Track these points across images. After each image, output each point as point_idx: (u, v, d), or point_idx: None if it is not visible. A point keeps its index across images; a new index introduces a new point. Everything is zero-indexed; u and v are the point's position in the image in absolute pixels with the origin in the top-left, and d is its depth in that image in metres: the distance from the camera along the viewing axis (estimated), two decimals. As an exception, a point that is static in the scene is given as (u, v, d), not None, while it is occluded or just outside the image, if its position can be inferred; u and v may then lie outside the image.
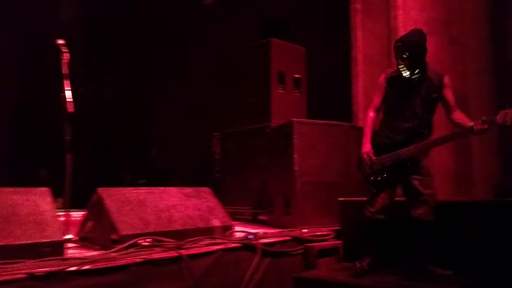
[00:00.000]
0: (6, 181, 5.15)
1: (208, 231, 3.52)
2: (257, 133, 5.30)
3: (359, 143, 3.49)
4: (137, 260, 2.70)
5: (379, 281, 3.09)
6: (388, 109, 3.37)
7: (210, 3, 8.12)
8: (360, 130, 3.88)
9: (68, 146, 3.40)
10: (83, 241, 3.41)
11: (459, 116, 3.12)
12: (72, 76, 3.49)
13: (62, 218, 3.26)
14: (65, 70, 3.54)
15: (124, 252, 2.83)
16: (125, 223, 3.13)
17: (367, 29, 5.34)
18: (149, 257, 2.77)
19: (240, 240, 3.46)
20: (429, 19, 4.70)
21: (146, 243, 3.02)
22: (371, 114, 3.44)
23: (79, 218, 3.56)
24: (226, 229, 3.73)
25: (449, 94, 3.18)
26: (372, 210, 3.27)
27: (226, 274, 3.12)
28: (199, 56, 7.79)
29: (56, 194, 3.06)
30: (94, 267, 2.50)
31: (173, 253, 2.89)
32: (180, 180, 6.95)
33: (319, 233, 3.96)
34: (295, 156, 4.36)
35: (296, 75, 5.55)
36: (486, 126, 2.90)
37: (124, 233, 3.04)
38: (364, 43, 5.34)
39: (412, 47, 3.14)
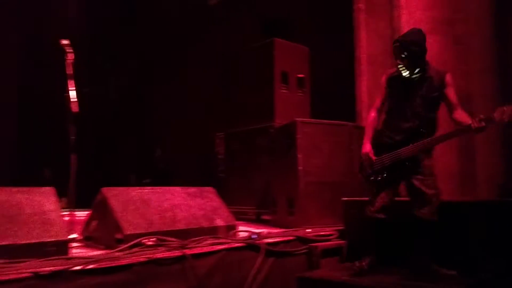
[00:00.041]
0: (10, 180, 5.17)
1: (212, 231, 3.52)
2: (260, 133, 5.30)
3: (362, 143, 3.49)
4: (141, 259, 2.71)
5: (383, 281, 3.09)
6: (389, 109, 3.37)
7: (214, 3, 8.13)
8: (364, 130, 3.89)
9: (73, 146, 3.42)
10: (88, 240, 3.42)
11: (460, 114, 3.11)
12: (77, 76, 3.51)
13: (67, 218, 3.28)
14: (69, 70, 3.55)
15: (128, 251, 2.84)
16: (129, 223, 3.14)
17: (371, 28, 5.34)
18: (153, 256, 2.78)
19: (243, 239, 3.46)
20: (433, 19, 4.69)
21: (150, 243, 3.03)
22: (372, 114, 3.46)
23: (83, 218, 3.57)
24: (230, 229, 3.74)
25: (451, 93, 3.17)
26: (372, 209, 3.29)
27: (229, 274, 3.12)
28: (203, 56, 7.80)
29: (60, 193, 3.08)
30: (99, 267, 2.51)
31: (177, 253, 2.90)
32: (184, 180, 6.96)
33: (323, 233, 3.96)
34: (299, 156, 4.36)
35: (300, 75, 5.55)
36: (483, 124, 2.89)
37: (128, 232, 3.05)
38: (367, 42, 5.34)
39: (410, 47, 3.14)
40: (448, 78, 3.18)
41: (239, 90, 5.89)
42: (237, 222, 3.94)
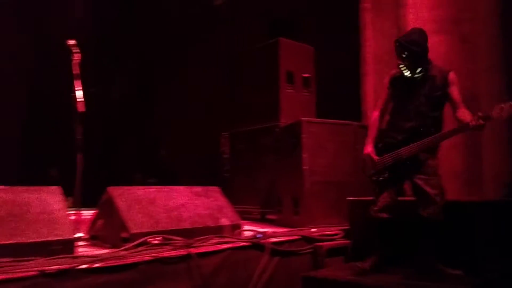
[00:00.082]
0: (17, 180, 5.21)
1: (217, 230, 3.53)
2: (266, 133, 5.30)
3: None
4: (147, 258, 2.73)
5: (388, 281, 3.08)
6: (393, 109, 3.38)
7: (219, 4, 8.14)
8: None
9: (79, 145, 3.44)
10: (94, 239, 3.44)
11: (462, 113, 3.06)
12: (83, 76, 3.52)
13: (73, 217, 3.30)
14: (75, 70, 3.57)
15: (134, 250, 2.85)
16: (135, 222, 3.15)
17: (377, 28, 5.33)
18: (159, 255, 2.79)
19: (249, 239, 3.47)
20: (439, 18, 4.67)
21: (156, 242, 3.04)
22: (375, 115, 3.47)
23: (89, 217, 3.59)
24: (235, 228, 3.75)
25: (454, 92, 3.15)
26: (375, 209, 3.30)
27: (235, 273, 3.13)
28: (208, 57, 7.81)
29: (66, 193, 3.10)
30: (105, 265, 2.52)
31: (182, 252, 2.91)
32: (189, 179, 6.97)
33: (328, 232, 3.96)
34: (304, 155, 4.36)
35: (305, 75, 5.55)
36: (481, 122, 2.88)
37: (134, 231, 3.07)
38: (373, 42, 5.32)
39: (410, 47, 3.13)
40: (451, 76, 3.16)
41: (244, 89, 5.90)
42: (242, 221, 3.94)
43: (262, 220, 5.11)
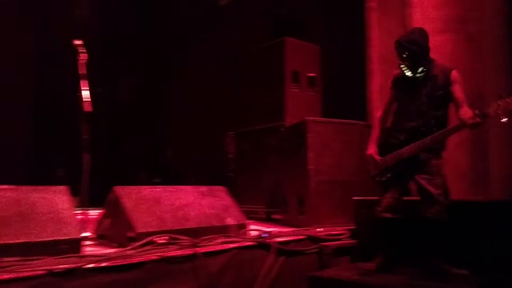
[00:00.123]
0: (24, 180, 5.24)
1: (223, 230, 3.54)
2: (271, 132, 5.30)
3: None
4: (153, 257, 2.74)
5: (393, 281, 3.08)
6: (397, 109, 3.39)
7: (225, 4, 8.14)
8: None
9: (86, 145, 3.45)
10: (100, 238, 3.45)
11: (463, 112, 3.03)
12: (89, 76, 3.54)
13: (80, 216, 3.31)
14: (82, 70, 3.59)
15: (140, 249, 2.86)
16: (141, 221, 3.16)
17: (382, 27, 5.31)
18: (165, 254, 2.80)
19: (255, 238, 3.47)
20: (445, 17, 4.66)
21: (162, 241, 3.05)
22: (378, 116, 3.50)
23: (96, 216, 3.61)
24: (241, 228, 3.75)
25: (456, 90, 3.13)
26: (379, 209, 3.31)
27: (241, 272, 3.13)
28: (214, 56, 7.82)
29: (73, 192, 3.11)
30: (111, 264, 2.53)
31: (188, 251, 2.92)
32: (195, 179, 6.99)
33: (334, 232, 3.95)
34: (310, 155, 4.36)
35: (311, 74, 5.54)
36: (478, 120, 2.87)
37: (140, 230, 3.08)
38: (379, 41, 5.31)
39: (410, 47, 3.13)
40: (454, 75, 3.15)
41: (249, 89, 5.90)
42: (247, 221, 3.95)
43: (267, 219, 5.11)
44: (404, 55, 3.16)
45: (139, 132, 8.33)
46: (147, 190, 3.51)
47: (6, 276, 2.18)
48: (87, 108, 3.43)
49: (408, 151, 3.15)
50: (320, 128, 4.48)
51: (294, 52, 5.41)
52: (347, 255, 3.80)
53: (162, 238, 3.07)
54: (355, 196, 4.03)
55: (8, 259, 2.37)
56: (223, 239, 3.31)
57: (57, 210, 2.83)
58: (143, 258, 2.71)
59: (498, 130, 4.08)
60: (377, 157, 3.34)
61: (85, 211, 3.51)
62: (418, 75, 3.19)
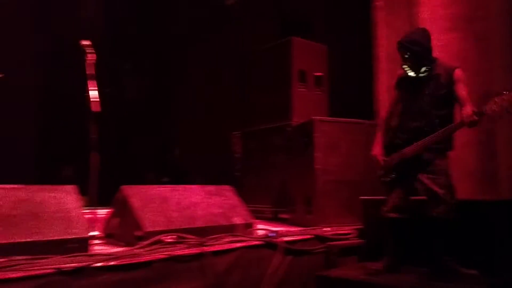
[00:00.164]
0: (32, 179, 5.28)
1: (230, 229, 3.54)
2: (277, 132, 5.30)
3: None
4: (161, 256, 2.75)
5: (401, 281, 3.07)
6: (401, 110, 3.38)
7: (231, 3, 8.15)
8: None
9: (94, 145, 3.48)
10: (108, 237, 3.47)
11: (465, 110, 3.00)
12: (98, 76, 3.56)
13: (88, 216, 3.33)
14: (89, 70, 3.61)
15: (148, 248, 2.88)
16: (149, 220, 3.18)
17: (390, 26, 5.29)
18: (173, 253, 2.81)
19: (262, 237, 3.47)
20: (453, 16, 4.63)
21: (170, 240, 3.06)
22: (383, 116, 3.52)
23: (104, 215, 3.63)
24: (248, 227, 3.76)
25: (459, 89, 3.10)
26: (385, 209, 3.31)
27: (248, 271, 3.14)
28: (220, 56, 7.83)
29: (81, 192, 3.13)
30: (119, 263, 2.55)
31: (196, 250, 2.93)
32: (202, 178, 7.01)
33: (341, 231, 3.95)
34: (316, 154, 4.35)
35: (318, 74, 5.54)
36: (475, 118, 2.85)
37: (148, 230, 3.09)
38: (386, 40, 5.29)
39: (411, 47, 3.13)
40: (457, 74, 3.13)
41: (256, 89, 5.90)
42: (254, 220, 3.95)
43: (274, 219, 5.11)
44: (406, 56, 3.16)
45: (147, 132, 8.36)
46: (154, 190, 3.52)
47: (15, 274, 2.20)
48: (96, 108, 3.46)
49: (411, 151, 3.15)
50: (327, 127, 4.48)
51: (301, 51, 5.41)
52: (354, 255, 3.79)
53: (169, 237, 3.09)
54: (362, 196, 4.01)
55: (17, 257, 2.38)
56: (230, 238, 3.31)
57: (66, 209, 2.86)
58: (151, 257, 2.72)
59: (507, 129, 4.05)
60: (382, 158, 3.35)
61: (93, 211, 3.53)
62: (421, 74, 3.18)
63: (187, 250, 2.93)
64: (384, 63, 5.30)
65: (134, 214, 3.20)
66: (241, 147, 6.06)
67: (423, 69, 3.16)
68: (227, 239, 3.28)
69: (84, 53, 3.65)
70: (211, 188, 3.88)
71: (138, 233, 3.11)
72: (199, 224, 3.42)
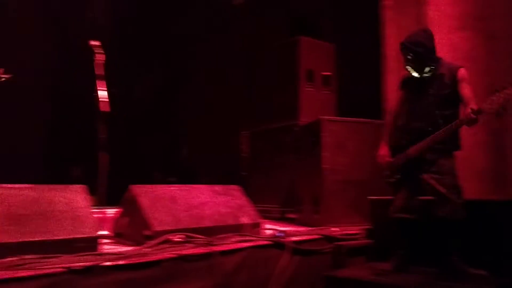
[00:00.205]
0: (41, 179, 5.32)
1: (237, 229, 3.54)
2: (285, 131, 5.30)
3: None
4: (169, 255, 2.75)
5: (409, 281, 3.06)
6: (406, 110, 3.37)
7: (239, 3, 8.16)
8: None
9: (103, 144, 3.50)
10: (117, 237, 3.49)
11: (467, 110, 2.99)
12: (107, 76, 3.58)
13: (97, 215, 3.35)
14: (98, 70, 3.64)
15: (156, 247, 2.89)
16: (158, 220, 3.19)
17: (398, 25, 5.27)
18: (181, 253, 2.82)
19: (270, 237, 3.48)
20: (462, 15, 4.60)
21: (178, 239, 3.07)
22: (388, 117, 3.53)
23: (113, 215, 3.64)
24: (255, 227, 3.76)
25: (462, 89, 3.09)
26: (392, 209, 3.32)
27: (255, 271, 3.14)
28: (228, 55, 7.84)
29: (90, 191, 3.15)
30: (128, 262, 2.56)
31: (204, 249, 2.94)
32: (209, 178, 7.02)
33: (349, 232, 3.94)
34: (324, 154, 4.35)
35: (325, 73, 5.53)
36: (473, 116, 2.84)
37: (156, 229, 3.11)
38: (395, 39, 5.27)
39: (414, 48, 3.12)
40: (461, 73, 3.12)
41: (263, 88, 5.90)
42: (262, 220, 3.95)
43: (282, 219, 5.11)
44: (409, 57, 3.16)
45: (155, 131, 8.39)
46: (163, 189, 3.53)
47: (25, 273, 2.21)
48: (104, 108, 3.48)
49: (415, 151, 3.14)
50: (335, 127, 4.47)
51: (308, 51, 5.40)
52: (362, 255, 3.79)
53: (178, 236, 3.10)
54: (370, 196, 4.01)
55: (27, 256, 2.40)
56: (238, 238, 3.32)
57: (75, 208, 2.87)
58: (160, 256, 2.73)
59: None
60: (387, 158, 3.34)
61: (102, 210, 3.55)
62: (425, 75, 3.17)
63: (195, 249, 2.94)
64: (392, 62, 5.28)
65: (142, 213, 3.21)
66: (249, 146, 6.06)
67: (427, 69, 3.15)
68: (234, 239, 3.28)
69: (93, 54, 3.68)
70: (218, 187, 3.89)
71: (146, 233, 3.12)
72: (207, 223, 3.43)
